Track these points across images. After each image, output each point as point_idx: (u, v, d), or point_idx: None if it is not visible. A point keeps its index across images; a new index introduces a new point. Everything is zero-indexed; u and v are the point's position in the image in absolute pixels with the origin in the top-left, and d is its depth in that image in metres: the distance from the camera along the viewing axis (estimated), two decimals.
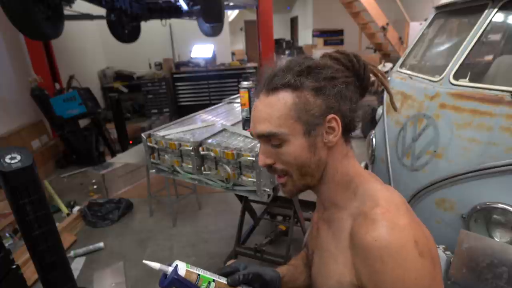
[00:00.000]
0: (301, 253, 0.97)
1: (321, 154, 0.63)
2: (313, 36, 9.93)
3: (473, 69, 1.59)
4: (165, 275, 0.63)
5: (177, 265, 0.63)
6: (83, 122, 4.36)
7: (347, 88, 0.62)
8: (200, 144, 1.63)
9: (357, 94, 0.65)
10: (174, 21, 5.87)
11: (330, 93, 0.60)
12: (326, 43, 9.37)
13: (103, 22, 4.69)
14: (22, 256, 2.24)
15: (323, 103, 0.60)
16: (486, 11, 1.44)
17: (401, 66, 2.06)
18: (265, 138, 0.63)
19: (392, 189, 0.65)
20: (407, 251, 0.53)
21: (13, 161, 1.34)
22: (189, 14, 4.89)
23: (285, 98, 0.60)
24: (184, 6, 4.46)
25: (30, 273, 2.11)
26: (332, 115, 0.60)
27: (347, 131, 0.64)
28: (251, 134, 0.67)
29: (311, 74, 0.60)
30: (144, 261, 0.63)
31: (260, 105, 0.63)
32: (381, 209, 0.58)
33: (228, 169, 1.55)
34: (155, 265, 0.63)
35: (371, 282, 0.56)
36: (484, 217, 1.23)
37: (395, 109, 0.78)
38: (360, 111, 0.64)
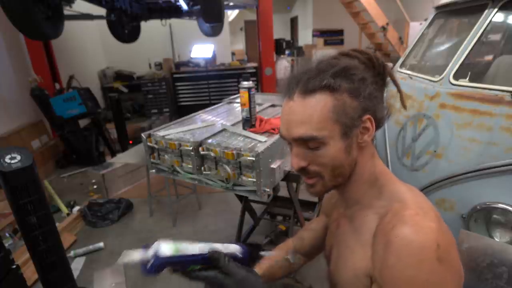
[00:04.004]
0: (287, 242, 0.99)
1: (354, 154, 0.63)
2: (313, 36, 9.91)
3: (473, 69, 1.59)
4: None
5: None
6: (83, 122, 4.36)
7: (374, 88, 0.62)
8: (200, 144, 1.62)
9: (381, 92, 0.66)
10: (174, 21, 5.87)
11: (364, 94, 0.60)
12: (326, 43, 9.35)
13: (103, 22, 4.69)
14: (22, 256, 2.23)
15: (359, 104, 0.60)
16: (486, 11, 1.44)
17: (401, 66, 2.06)
18: (301, 141, 0.62)
19: (417, 191, 0.66)
20: (426, 253, 0.53)
21: (13, 161, 1.34)
22: (189, 14, 4.88)
23: (324, 100, 0.59)
24: (184, 6, 4.46)
25: (30, 273, 2.11)
26: (367, 116, 0.61)
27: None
28: (281, 136, 0.65)
29: (346, 75, 0.60)
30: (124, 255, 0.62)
31: (296, 107, 0.61)
32: (410, 211, 0.58)
33: (228, 169, 1.55)
34: (136, 256, 0.62)
35: (382, 275, 0.56)
36: (484, 217, 1.23)
37: (405, 107, 0.79)
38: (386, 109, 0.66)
